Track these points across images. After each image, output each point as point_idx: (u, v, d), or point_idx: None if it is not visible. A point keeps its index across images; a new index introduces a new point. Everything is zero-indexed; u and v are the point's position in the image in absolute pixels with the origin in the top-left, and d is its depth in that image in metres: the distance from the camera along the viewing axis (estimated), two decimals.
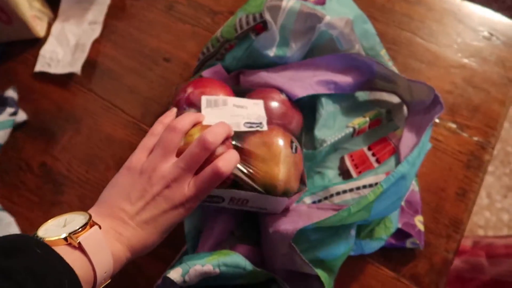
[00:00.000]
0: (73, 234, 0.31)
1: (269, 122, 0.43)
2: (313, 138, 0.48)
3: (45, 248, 0.29)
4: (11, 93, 0.56)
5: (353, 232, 0.42)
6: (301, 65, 0.49)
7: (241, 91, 0.48)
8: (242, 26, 0.49)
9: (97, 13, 0.64)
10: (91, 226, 0.32)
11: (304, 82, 0.47)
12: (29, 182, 0.54)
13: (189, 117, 0.40)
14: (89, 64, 0.60)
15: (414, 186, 0.49)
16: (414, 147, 0.43)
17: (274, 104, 0.45)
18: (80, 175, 0.54)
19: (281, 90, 0.47)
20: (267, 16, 0.47)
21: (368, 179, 0.47)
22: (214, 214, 0.46)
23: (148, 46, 0.62)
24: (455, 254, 0.47)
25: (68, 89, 0.59)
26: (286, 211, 0.44)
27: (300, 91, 0.46)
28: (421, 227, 0.47)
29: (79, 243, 0.31)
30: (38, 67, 0.60)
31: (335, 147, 0.50)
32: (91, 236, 0.32)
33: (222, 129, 0.38)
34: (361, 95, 0.53)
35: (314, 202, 0.47)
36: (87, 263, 0.31)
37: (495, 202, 1.30)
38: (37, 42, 0.63)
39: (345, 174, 0.49)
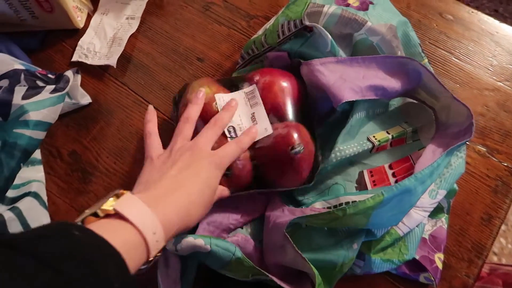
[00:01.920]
0: (105, 206, 0.31)
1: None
2: (333, 141, 0.47)
3: (84, 230, 0.28)
4: (69, 73, 0.56)
5: (355, 246, 0.42)
6: (352, 61, 0.48)
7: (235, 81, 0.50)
8: (284, 33, 0.50)
9: (136, 9, 0.65)
10: (121, 195, 0.33)
11: (354, 84, 0.46)
12: (58, 169, 0.55)
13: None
14: (124, 58, 0.61)
15: (443, 223, 0.48)
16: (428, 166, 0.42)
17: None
18: (108, 166, 0.55)
19: (328, 90, 0.46)
20: (308, 22, 0.47)
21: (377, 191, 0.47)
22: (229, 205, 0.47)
23: (183, 44, 0.63)
24: (476, 279, 0.47)
25: (102, 81, 0.61)
26: (291, 211, 0.45)
27: (348, 95, 0.45)
28: (439, 264, 0.46)
29: (114, 209, 0.31)
30: (75, 57, 0.61)
31: (351, 160, 0.49)
32: (125, 200, 0.32)
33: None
34: (394, 103, 0.52)
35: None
36: (130, 227, 0.30)
37: None
38: (76, 33, 0.64)
39: (361, 188, 0.48)
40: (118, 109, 0.59)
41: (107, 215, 0.31)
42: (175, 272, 0.42)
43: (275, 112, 0.47)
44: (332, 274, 0.42)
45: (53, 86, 0.52)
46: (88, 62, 0.61)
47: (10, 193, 0.50)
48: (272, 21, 0.54)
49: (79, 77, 0.57)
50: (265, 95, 0.47)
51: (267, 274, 0.39)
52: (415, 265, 0.46)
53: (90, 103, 0.59)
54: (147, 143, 0.43)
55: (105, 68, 0.61)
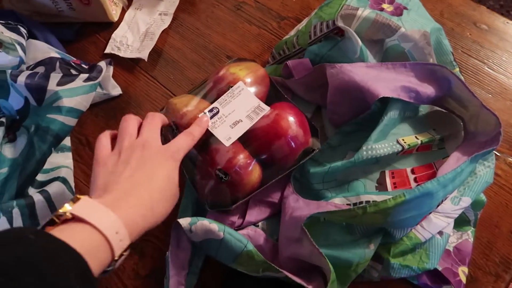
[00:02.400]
0: (61, 211, 0.30)
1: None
2: (363, 139, 0.47)
3: (41, 234, 0.27)
4: (102, 64, 0.57)
5: (372, 246, 0.42)
6: (382, 66, 0.48)
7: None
8: (316, 33, 0.50)
9: (169, 5, 0.66)
10: (77, 200, 0.31)
11: (388, 83, 0.46)
12: (86, 157, 0.56)
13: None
14: (156, 53, 0.63)
15: (469, 236, 0.47)
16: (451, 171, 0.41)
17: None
18: None
19: (363, 87, 0.46)
20: (341, 24, 0.47)
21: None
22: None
23: (213, 42, 0.63)
24: None
25: (133, 73, 0.62)
26: (306, 203, 0.45)
27: (384, 91, 0.45)
28: (463, 278, 0.45)
29: (71, 213, 0.29)
30: (108, 50, 0.63)
31: (377, 159, 0.49)
32: (82, 203, 0.31)
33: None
34: (424, 109, 0.52)
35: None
36: (89, 228, 0.29)
37: None
38: (110, 26, 0.66)
39: (381, 188, 0.48)
40: (147, 102, 0.59)
41: (65, 221, 0.30)
42: (185, 255, 0.43)
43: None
44: (346, 273, 0.41)
45: (86, 75, 0.53)
46: (120, 55, 0.62)
47: (40, 177, 0.51)
48: (304, 22, 0.54)
49: (111, 68, 0.59)
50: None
51: (278, 268, 0.39)
52: (438, 277, 0.45)
53: (120, 94, 0.60)
54: (96, 145, 0.41)
55: (136, 61, 0.62)
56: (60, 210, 0.30)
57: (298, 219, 0.41)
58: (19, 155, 0.51)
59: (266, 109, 0.46)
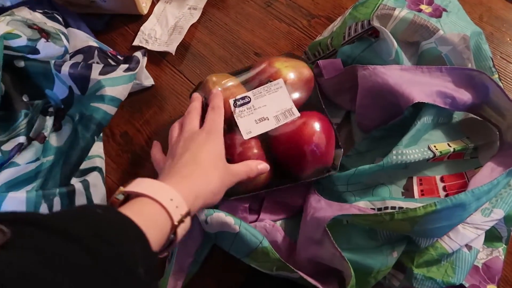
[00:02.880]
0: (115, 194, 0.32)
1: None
2: (392, 145, 0.45)
3: (108, 209, 0.29)
4: (138, 54, 0.57)
5: (395, 254, 0.40)
6: (417, 69, 0.47)
7: None
8: (350, 34, 0.48)
9: (199, 0, 0.65)
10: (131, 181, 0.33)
11: (424, 88, 0.44)
12: (110, 148, 0.56)
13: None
14: (183, 47, 0.62)
15: (500, 253, 0.45)
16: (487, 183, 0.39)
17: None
18: None
19: (397, 91, 0.44)
20: (377, 24, 0.46)
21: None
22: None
23: (241, 38, 0.63)
24: None
25: (159, 66, 0.61)
26: (328, 204, 0.44)
27: (419, 96, 0.43)
28: None
29: (124, 191, 0.31)
30: (137, 42, 0.63)
31: (406, 164, 0.47)
32: (133, 182, 0.33)
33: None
34: (458, 116, 0.50)
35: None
36: (145, 199, 0.31)
37: None
38: (139, 19, 0.66)
39: (407, 195, 0.46)
40: (172, 96, 0.59)
41: (124, 201, 0.32)
42: (194, 245, 0.43)
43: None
44: (366, 279, 0.40)
45: (126, 65, 0.53)
46: (148, 47, 0.62)
47: (81, 165, 0.52)
48: (339, 23, 0.52)
49: (145, 59, 0.58)
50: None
51: (292, 268, 0.38)
52: None
53: (150, 86, 0.59)
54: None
55: (163, 54, 0.62)
56: (115, 195, 0.32)
57: (321, 220, 0.39)
58: (63, 144, 0.52)
59: (296, 114, 0.44)
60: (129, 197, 0.32)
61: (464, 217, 0.39)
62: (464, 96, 0.46)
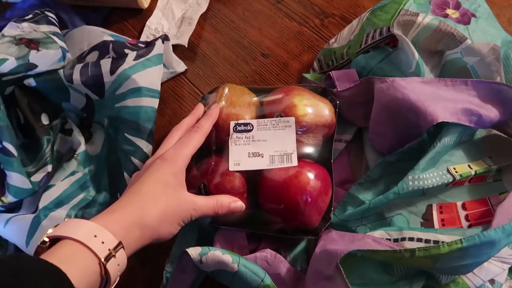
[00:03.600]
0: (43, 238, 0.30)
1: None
2: (408, 170, 0.41)
3: (20, 256, 0.28)
4: (158, 41, 0.53)
5: None
6: (440, 82, 0.42)
7: None
8: (367, 42, 0.44)
9: None
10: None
11: (448, 104, 0.40)
12: None
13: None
14: (185, 46, 0.58)
15: None
16: None
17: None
18: None
19: (419, 108, 0.40)
20: (398, 32, 0.41)
21: (451, 237, 0.41)
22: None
23: (248, 37, 0.58)
24: None
25: None
26: (340, 234, 0.40)
27: (443, 115, 0.39)
28: None
29: (47, 236, 0.30)
30: (143, 38, 0.59)
31: (424, 191, 0.43)
32: (62, 224, 0.31)
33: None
34: (480, 133, 0.46)
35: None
36: (67, 241, 0.29)
37: None
38: (139, 13, 0.62)
39: (427, 225, 0.43)
40: (172, 98, 0.55)
41: (51, 244, 0.30)
42: (188, 279, 0.40)
43: None
44: None
45: (134, 54, 0.49)
46: None
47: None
48: (357, 30, 0.48)
49: (169, 44, 0.54)
50: None
51: None
52: None
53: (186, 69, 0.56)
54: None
55: None
56: (40, 239, 0.30)
57: (333, 254, 0.36)
58: (100, 151, 0.51)
59: (294, 163, 0.40)
60: (56, 241, 0.30)
61: (492, 255, 0.36)
62: (491, 112, 0.42)
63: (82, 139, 0.51)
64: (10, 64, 0.45)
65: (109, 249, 0.30)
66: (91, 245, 0.29)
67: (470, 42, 0.43)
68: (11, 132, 0.45)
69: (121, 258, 0.31)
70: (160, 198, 0.35)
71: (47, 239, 0.30)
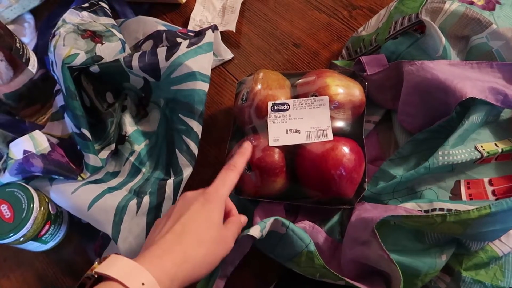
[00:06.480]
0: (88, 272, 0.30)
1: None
2: (437, 147, 0.43)
3: None
4: (209, 31, 0.55)
5: (444, 257, 0.39)
6: (466, 64, 0.45)
7: None
8: (396, 28, 0.47)
9: None
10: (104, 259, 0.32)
11: (475, 83, 0.43)
12: None
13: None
14: (221, 36, 0.62)
15: None
16: None
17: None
18: None
19: (449, 86, 0.42)
20: (426, 18, 0.44)
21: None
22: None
23: (280, 28, 0.62)
24: None
25: None
26: (373, 206, 0.43)
27: (472, 91, 0.41)
28: None
29: (95, 272, 0.30)
30: (190, 28, 0.63)
31: (453, 166, 0.45)
32: (107, 260, 0.31)
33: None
34: (505, 114, 0.47)
35: None
36: (113, 283, 0.29)
37: None
38: (177, 8, 0.66)
39: (455, 199, 0.44)
40: (210, 86, 0.59)
41: (95, 282, 0.30)
42: (238, 256, 0.42)
43: None
44: (412, 281, 0.39)
45: (187, 42, 0.52)
46: None
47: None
48: (384, 18, 0.51)
49: (218, 33, 0.58)
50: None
51: (338, 275, 0.38)
52: None
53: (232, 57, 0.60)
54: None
55: None
56: (87, 272, 0.31)
57: (369, 221, 0.39)
58: (157, 128, 0.55)
59: (329, 137, 0.43)
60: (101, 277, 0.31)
61: None
62: None
63: (131, 120, 0.55)
64: (81, 58, 0.50)
65: None
66: None
67: (496, 27, 0.45)
68: (86, 119, 0.51)
69: None
70: (205, 243, 0.35)
71: (95, 275, 0.30)
